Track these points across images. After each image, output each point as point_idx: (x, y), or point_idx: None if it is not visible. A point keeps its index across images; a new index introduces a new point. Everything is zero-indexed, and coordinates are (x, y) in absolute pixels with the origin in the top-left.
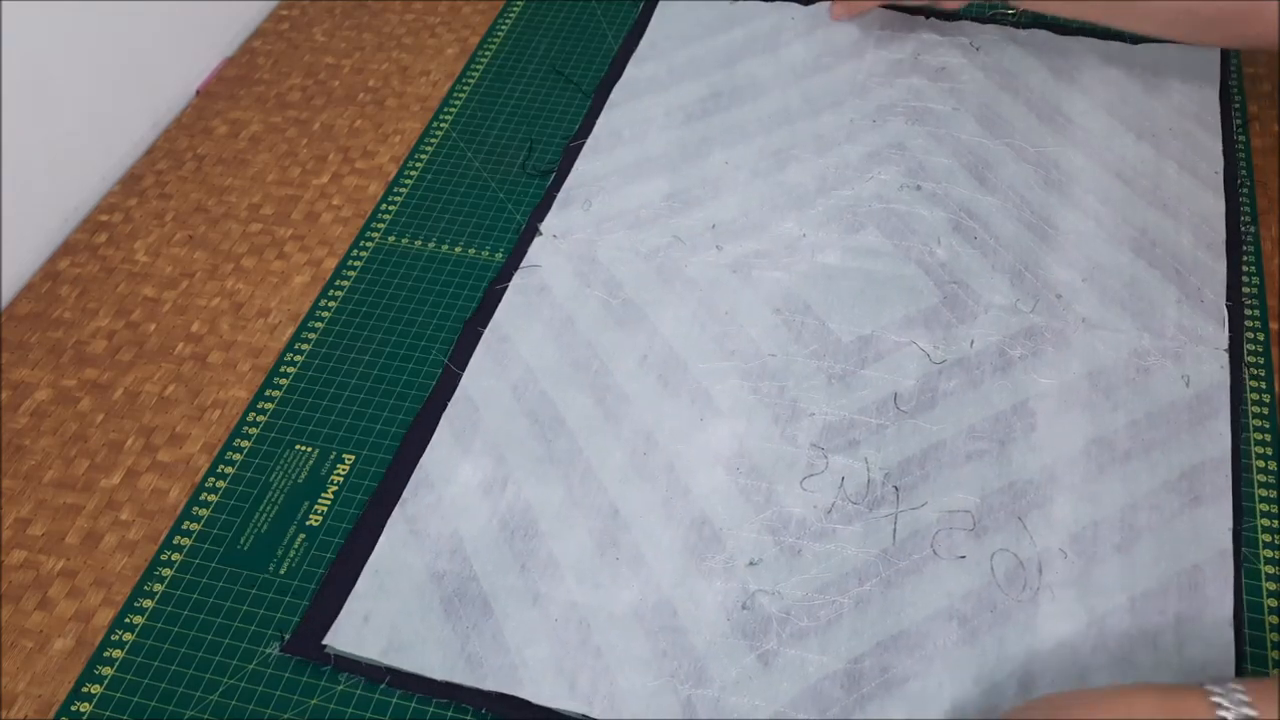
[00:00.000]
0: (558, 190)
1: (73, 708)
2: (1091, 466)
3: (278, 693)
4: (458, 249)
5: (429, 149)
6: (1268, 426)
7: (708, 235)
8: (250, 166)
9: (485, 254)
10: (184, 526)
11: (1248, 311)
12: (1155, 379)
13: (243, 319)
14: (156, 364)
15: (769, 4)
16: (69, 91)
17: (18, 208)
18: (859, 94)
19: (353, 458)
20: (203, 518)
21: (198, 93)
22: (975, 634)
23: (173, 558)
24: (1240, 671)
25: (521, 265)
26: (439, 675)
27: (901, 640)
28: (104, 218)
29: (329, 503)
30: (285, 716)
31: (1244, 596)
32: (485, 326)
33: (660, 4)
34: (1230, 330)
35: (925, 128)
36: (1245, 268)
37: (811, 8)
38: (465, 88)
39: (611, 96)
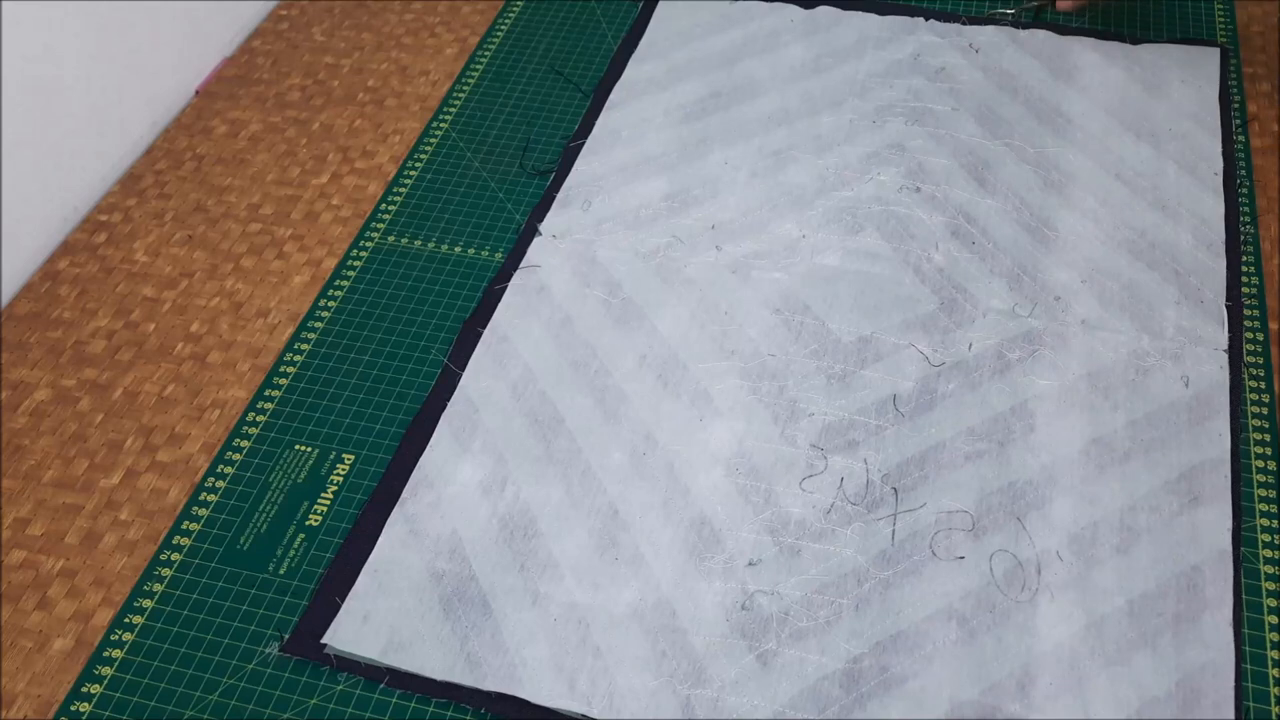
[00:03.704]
0: (557, 190)
1: (72, 708)
2: (1090, 467)
3: (277, 692)
4: (457, 249)
5: (428, 149)
6: (1267, 427)
7: (707, 235)
8: (250, 166)
9: (485, 254)
10: (183, 526)
11: (1247, 312)
12: (1154, 380)
13: (242, 319)
14: (156, 364)
15: (768, 5)
16: (69, 91)
17: (18, 208)
18: (858, 94)
19: (352, 458)
20: (202, 518)
21: (197, 93)
22: (974, 634)
23: (172, 558)
24: (1240, 674)
25: (521, 265)
26: (438, 675)
27: (900, 640)
28: (103, 218)
29: (329, 503)
30: (285, 716)
31: (1243, 597)
32: (484, 326)
33: (660, 4)
34: (1229, 331)
35: (925, 128)
36: (1244, 268)
37: (811, 10)
38: (465, 88)
39: (611, 96)
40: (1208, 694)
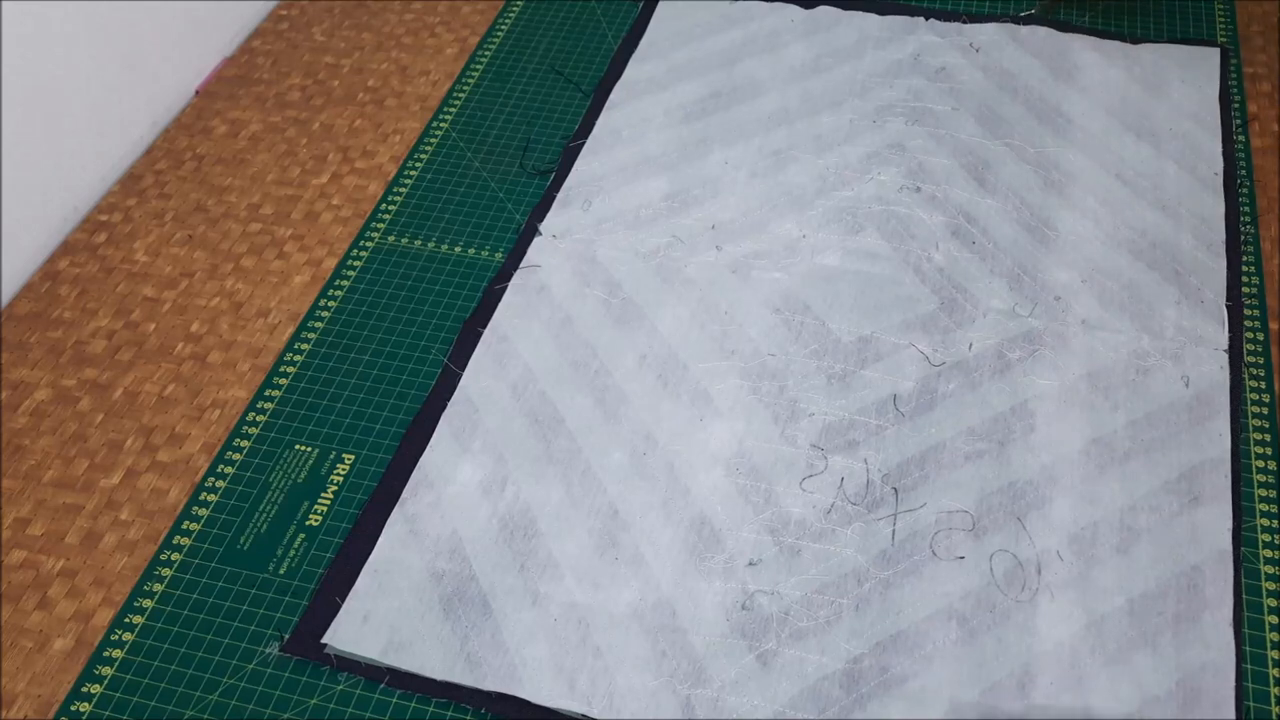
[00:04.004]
0: (557, 190)
1: (73, 708)
2: (1091, 467)
3: (277, 693)
4: (458, 249)
5: (429, 149)
6: (1267, 427)
7: (707, 235)
8: (250, 166)
9: (485, 254)
10: (184, 526)
11: (1247, 312)
12: (1155, 380)
13: (242, 319)
14: (156, 364)
15: (769, 5)
16: (69, 91)
17: (18, 208)
18: (858, 94)
19: (352, 458)
20: (202, 518)
21: (197, 93)
22: (974, 634)
23: (172, 558)
24: (1240, 674)
25: (521, 265)
26: (438, 675)
27: (900, 640)
28: (104, 218)
29: (329, 503)
30: (285, 716)
31: (1244, 597)
32: (485, 326)
33: (660, 4)
34: (1230, 331)
35: (925, 128)
36: (1245, 268)
37: (811, 10)
38: (465, 88)
39: (611, 96)
40: (1208, 693)
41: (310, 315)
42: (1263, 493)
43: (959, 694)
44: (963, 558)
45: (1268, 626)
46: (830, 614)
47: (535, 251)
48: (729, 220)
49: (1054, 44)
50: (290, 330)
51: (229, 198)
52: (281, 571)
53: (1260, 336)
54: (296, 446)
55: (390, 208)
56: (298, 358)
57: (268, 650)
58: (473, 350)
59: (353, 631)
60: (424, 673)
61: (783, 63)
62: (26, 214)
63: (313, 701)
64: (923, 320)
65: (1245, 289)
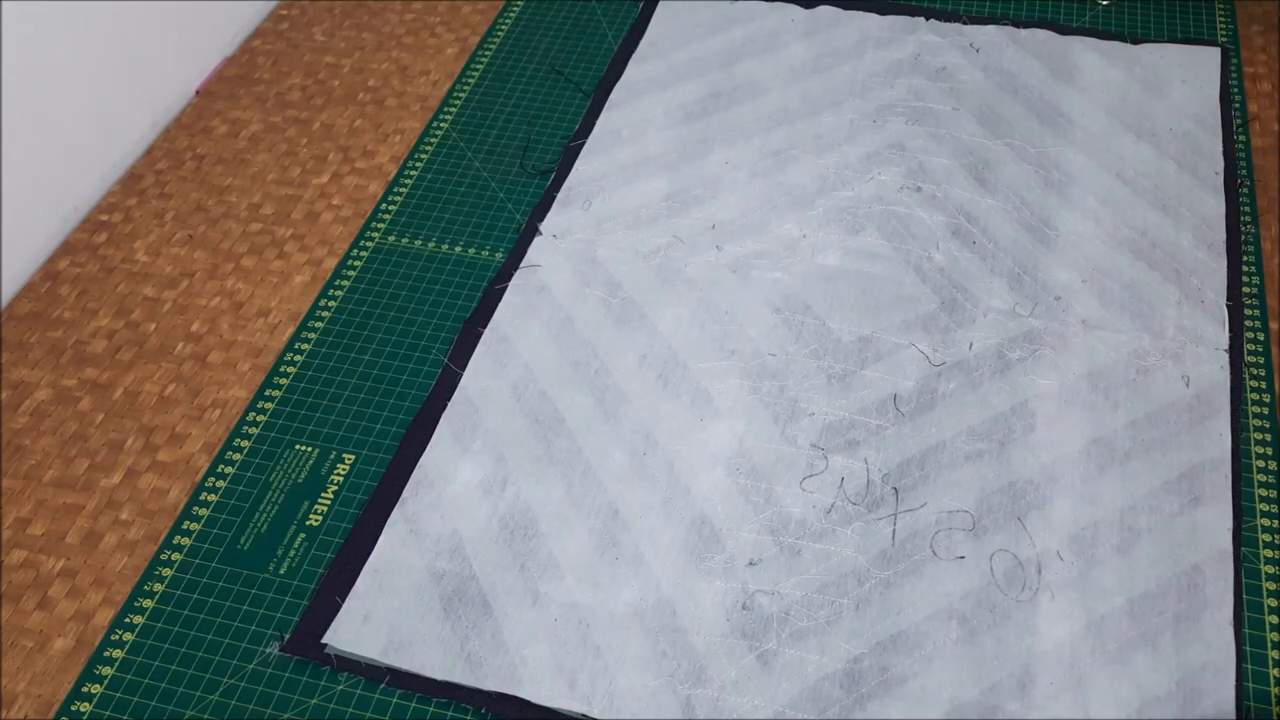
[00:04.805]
0: (558, 190)
1: (73, 708)
2: (1091, 467)
3: (278, 693)
4: (458, 249)
5: (429, 149)
6: (1268, 426)
7: (707, 235)
8: (250, 166)
9: (485, 254)
10: (184, 526)
11: (1248, 312)
12: (1155, 379)
13: (243, 319)
14: (156, 364)
15: (769, 4)
16: (69, 91)
17: (18, 208)
18: (859, 94)
19: (353, 457)
20: (203, 518)
21: (198, 92)
22: (974, 634)
23: (173, 558)
24: (1241, 674)
25: (521, 265)
26: (438, 675)
27: (901, 640)
28: (104, 217)
29: (329, 503)
30: (285, 716)
31: (1244, 596)
32: (485, 326)
33: (660, 4)
34: (1230, 330)
35: (925, 128)
36: (1245, 268)
37: (811, 10)
38: (465, 87)
39: (611, 96)
40: (1208, 693)
41: (310, 315)
42: (1263, 493)
43: (959, 694)
44: (963, 557)
45: (1268, 626)
46: (830, 614)
47: (535, 251)
48: (729, 220)
49: (1054, 44)
50: (290, 330)
51: (229, 198)
52: (282, 571)
53: (1260, 336)
54: (297, 446)
55: (390, 208)
56: (298, 358)
57: (268, 650)
58: (473, 350)
59: (353, 631)
60: (424, 673)
61: (783, 63)
62: (26, 214)
63: (313, 701)
64: (923, 320)
65: (1245, 289)
